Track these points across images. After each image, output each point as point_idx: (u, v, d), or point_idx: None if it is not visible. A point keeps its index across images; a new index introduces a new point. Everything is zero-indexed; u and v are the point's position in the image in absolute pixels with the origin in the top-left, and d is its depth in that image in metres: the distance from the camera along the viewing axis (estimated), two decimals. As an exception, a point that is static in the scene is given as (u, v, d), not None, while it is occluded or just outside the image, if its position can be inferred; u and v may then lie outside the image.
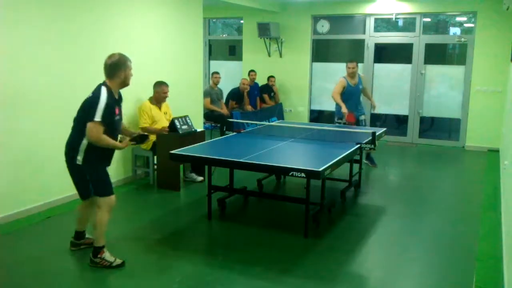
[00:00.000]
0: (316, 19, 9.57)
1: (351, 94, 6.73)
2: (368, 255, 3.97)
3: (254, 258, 3.78)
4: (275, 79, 9.58)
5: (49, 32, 4.68)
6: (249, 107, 9.01)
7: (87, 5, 5.09)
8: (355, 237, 4.27)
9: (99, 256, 3.51)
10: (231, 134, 5.59)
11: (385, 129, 6.22)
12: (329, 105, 9.90)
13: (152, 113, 5.70)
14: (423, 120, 9.11)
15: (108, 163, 3.59)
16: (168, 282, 3.37)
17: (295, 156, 4.62)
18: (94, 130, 3.27)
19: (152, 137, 5.68)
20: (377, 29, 9.22)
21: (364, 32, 9.26)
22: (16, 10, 4.34)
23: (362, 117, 6.85)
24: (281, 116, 9.44)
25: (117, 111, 3.47)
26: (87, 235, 3.89)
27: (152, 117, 5.69)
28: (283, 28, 9.61)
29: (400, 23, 9.49)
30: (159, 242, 4.10)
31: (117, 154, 5.64)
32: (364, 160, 6.70)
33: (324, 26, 9.52)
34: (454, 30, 9.42)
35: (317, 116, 10.10)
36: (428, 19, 9.05)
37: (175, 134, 5.47)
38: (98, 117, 3.25)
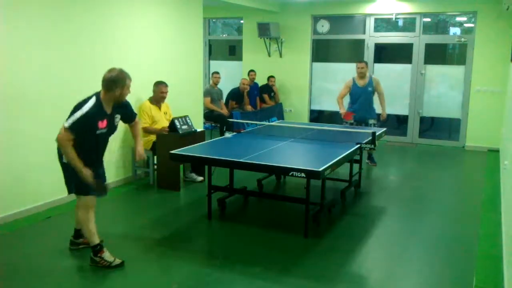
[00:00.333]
0: (316, 19, 9.57)
1: (359, 95, 6.66)
2: (368, 255, 3.97)
3: (254, 258, 3.78)
4: (275, 79, 9.58)
5: (49, 32, 4.68)
6: (249, 107, 9.01)
7: (87, 5, 5.09)
8: (355, 237, 4.27)
9: (99, 255, 3.51)
10: (231, 134, 5.59)
11: (385, 129, 6.22)
12: (329, 105, 9.93)
13: (152, 113, 5.70)
14: (423, 120, 9.11)
15: (94, 158, 3.51)
16: (168, 282, 3.37)
17: (295, 156, 4.62)
18: (61, 133, 3.23)
19: (152, 137, 5.69)
20: (377, 29, 9.22)
21: (364, 32, 9.26)
22: (16, 10, 4.34)
23: (371, 121, 6.73)
24: (281, 116, 9.44)
25: (102, 124, 3.37)
26: None
27: (152, 117, 5.69)
28: (283, 28, 9.61)
29: (400, 23, 9.49)
30: (159, 242, 4.10)
31: (117, 154, 5.68)
32: (365, 160, 6.71)
33: (324, 26, 9.51)
34: (454, 30, 9.43)
35: (317, 116, 10.10)
36: (428, 19, 9.05)
37: (175, 134, 5.47)
38: (68, 123, 3.20)
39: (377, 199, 5.48)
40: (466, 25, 9.11)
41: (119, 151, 5.73)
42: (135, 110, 5.77)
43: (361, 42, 9.27)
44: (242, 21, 10.22)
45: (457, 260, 3.85)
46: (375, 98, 6.92)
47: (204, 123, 7.86)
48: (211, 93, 8.25)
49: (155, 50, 6.18)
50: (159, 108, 5.81)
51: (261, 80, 9.55)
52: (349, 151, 4.52)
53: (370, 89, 6.71)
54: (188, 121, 5.72)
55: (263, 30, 9.34)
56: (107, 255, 3.53)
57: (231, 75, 10.17)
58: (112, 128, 3.54)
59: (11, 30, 4.31)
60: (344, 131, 5.85)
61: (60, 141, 3.26)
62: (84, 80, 4.93)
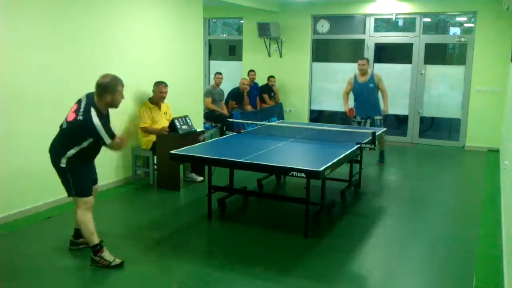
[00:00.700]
0: (316, 19, 9.57)
1: (360, 91, 6.76)
2: (368, 255, 3.97)
3: (254, 258, 3.78)
4: (275, 79, 9.58)
5: (49, 32, 4.68)
6: (249, 107, 9.01)
7: (87, 5, 5.09)
8: (355, 237, 4.27)
9: (98, 254, 3.52)
10: (231, 134, 5.59)
11: (385, 129, 6.23)
12: (329, 105, 9.94)
13: (152, 113, 5.70)
14: (423, 120, 9.11)
15: (91, 161, 3.68)
16: (168, 282, 3.37)
17: (295, 156, 4.62)
18: (116, 145, 3.48)
19: (152, 137, 5.69)
20: (377, 29, 9.22)
21: (364, 32, 9.26)
22: (16, 10, 4.34)
23: (377, 117, 6.79)
24: (281, 116, 9.44)
25: None
26: None
27: (152, 117, 5.69)
28: (283, 28, 9.60)
29: (400, 23, 9.49)
30: (159, 242, 4.10)
31: (117, 154, 5.68)
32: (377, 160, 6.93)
33: (324, 26, 9.51)
34: (454, 30, 9.43)
35: (317, 116, 10.10)
36: (428, 19, 9.04)
37: (175, 134, 5.47)
38: (107, 139, 3.38)
39: (377, 199, 5.48)
40: (466, 25, 9.10)
41: (119, 151, 5.72)
42: (135, 110, 5.83)
43: (361, 42, 9.27)
44: (242, 21, 10.22)
45: (457, 260, 3.85)
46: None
47: (204, 123, 7.87)
48: (213, 93, 8.24)
49: (155, 50, 6.18)
50: (159, 108, 5.81)
51: (261, 80, 9.55)
52: (349, 151, 4.52)
53: (371, 85, 6.76)
54: (188, 121, 5.72)
55: (263, 30, 9.34)
56: (106, 255, 3.54)
57: (231, 75, 10.16)
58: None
59: (11, 30, 4.31)
60: (344, 131, 5.85)
61: (120, 147, 3.57)
62: (84, 80, 4.91)
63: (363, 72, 6.74)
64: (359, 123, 6.84)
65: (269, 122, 7.91)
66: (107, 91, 3.38)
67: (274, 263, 3.67)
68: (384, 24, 9.53)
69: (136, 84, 5.85)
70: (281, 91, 9.86)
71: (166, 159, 4.67)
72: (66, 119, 3.45)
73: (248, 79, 9.06)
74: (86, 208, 3.53)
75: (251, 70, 9.31)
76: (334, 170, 4.10)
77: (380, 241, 4.27)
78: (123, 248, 3.90)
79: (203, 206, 4.81)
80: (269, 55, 9.89)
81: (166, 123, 5.74)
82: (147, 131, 5.68)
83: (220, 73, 8.44)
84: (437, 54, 9.33)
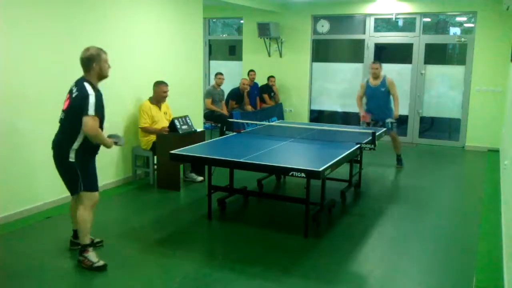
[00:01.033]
0: (316, 19, 9.57)
1: (372, 95, 6.80)
2: (368, 255, 3.97)
3: (254, 258, 3.78)
4: (275, 79, 9.58)
5: (49, 32, 4.68)
6: (249, 107, 9.01)
7: (87, 5, 5.09)
8: (355, 237, 4.27)
9: (83, 254, 3.50)
10: (231, 134, 5.59)
11: (385, 129, 6.22)
12: (329, 105, 9.94)
13: (152, 113, 5.70)
14: (423, 120, 9.11)
15: (96, 153, 3.64)
16: (168, 282, 3.37)
17: (295, 156, 4.62)
18: (91, 123, 3.29)
19: (152, 137, 5.69)
20: (377, 29, 9.22)
21: (364, 32, 9.26)
22: (16, 10, 4.34)
23: (388, 120, 6.81)
24: (281, 116, 9.44)
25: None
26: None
27: (152, 117, 5.69)
28: (283, 28, 9.61)
29: (400, 23, 9.49)
30: (159, 242, 4.10)
31: (117, 154, 5.68)
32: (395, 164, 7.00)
33: (324, 26, 9.51)
34: (454, 30, 9.43)
35: (317, 116, 10.09)
36: (428, 19, 9.05)
37: (175, 134, 5.47)
38: (92, 111, 3.28)
39: (377, 199, 5.48)
40: (466, 25, 9.10)
41: (119, 151, 5.72)
42: (135, 110, 5.83)
43: (361, 42, 9.27)
44: (242, 21, 10.22)
45: (457, 260, 3.85)
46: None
47: (204, 123, 7.87)
48: (213, 94, 8.24)
49: (155, 50, 6.18)
50: (159, 108, 5.81)
51: (261, 80, 9.55)
52: (349, 151, 4.52)
53: (383, 89, 6.79)
54: (188, 121, 5.72)
55: (263, 30, 9.34)
56: (91, 255, 3.51)
57: (231, 75, 10.15)
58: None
59: (12, 30, 4.31)
60: (344, 131, 5.85)
61: (95, 131, 3.33)
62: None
63: (375, 76, 6.78)
64: (368, 125, 6.84)
65: (269, 122, 7.91)
66: (93, 60, 3.40)
67: (274, 263, 3.67)
68: (384, 24, 9.53)
69: (136, 84, 5.85)
70: (281, 91, 9.86)
71: (166, 159, 4.67)
72: (62, 112, 3.47)
73: (248, 79, 9.06)
74: (91, 205, 3.52)
75: (251, 70, 9.31)
76: (334, 170, 4.10)
77: (380, 241, 4.28)
78: (123, 248, 3.90)
79: (203, 206, 4.81)
80: (269, 55, 9.89)
81: (166, 123, 5.74)
82: (147, 131, 5.68)
83: (221, 74, 8.43)
84: (437, 54, 9.32)
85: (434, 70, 8.85)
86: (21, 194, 4.53)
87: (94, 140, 3.40)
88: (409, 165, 7.68)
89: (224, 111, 8.26)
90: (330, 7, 9.18)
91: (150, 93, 5.81)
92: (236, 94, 8.87)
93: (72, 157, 3.40)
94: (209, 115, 8.18)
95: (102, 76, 3.50)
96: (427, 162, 7.70)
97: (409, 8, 8.56)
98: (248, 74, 9.28)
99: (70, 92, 3.46)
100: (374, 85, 6.77)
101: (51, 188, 4.75)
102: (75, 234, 3.83)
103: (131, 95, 5.81)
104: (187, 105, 6.73)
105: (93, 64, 3.41)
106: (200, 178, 5.95)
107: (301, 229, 4.23)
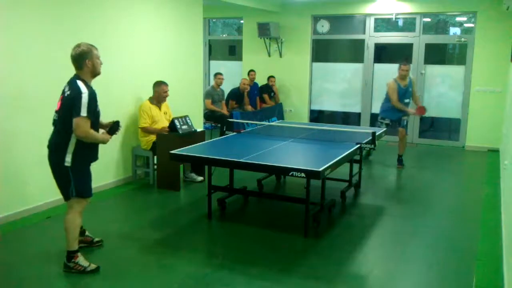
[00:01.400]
0: (316, 19, 9.57)
1: (402, 96, 6.88)
2: (368, 255, 3.97)
3: (254, 258, 3.78)
4: (275, 79, 9.58)
5: (49, 33, 4.68)
6: (249, 107, 9.01)
7: (88, 5, 5.09)
8: (355, 237, 4.27)
9: (73, 260, 3.45)
10: (231, 134, 5.59)
11: (385, 129, 6.22)
12: (329, 105, 9.94)
13: (152, 113, 5.70)
14: (423, 120, 9.10)
15: (95, 158, 3.55)
16: (168, 282, 3.37)
17: (295, 156, 4.62)
18: (82, 125, 3.21)
19: (152, 137, 5.69)
20: (377, 29, 9.21)
21: (364, 32, 9.25)
22: (17, 10, 4.34)
23: (405, 118, 7.00)
24: (281, 116, 9.44)
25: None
26: (86, 233, 3.89)
27: (152, 117, 5.69)
28: (283, 28, 9.60)
29: (400, 23, 9.49)
30: (159, 242, 4.09)
31: (117, 154, 5.68)
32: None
33: (324, 26, 9.51)
34: (454, 30, 9.42)
35: (317, 116, 10.09)
36: (428, 19, 9.04)
37: (175, 134, 5.47)
38: (84, 112, 3.19)
39: (377, 199, 5.48)
40: (466, 25, 9.10)
41: (119, 151, 5.73)
42: (135, 110, 5.82)
43: (361, 42, 9.27)
44: (242, 21, 10.22)
45: (457, 260, 3.85)
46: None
47: (204, 123, 7.87)
48: (213, 94, 8.23)
49: (155, 50, 6.18)
50: (159, 108, 5.81)
51: (261, 80, 9.55)
52: (349, 151, 4.52)
53: (410, 89, 6.94)
54: (188, 121, 5.72)
55: (263, 30, 9.34)
56: (81, 260, 3.46)
57: (231, 75, 10.16)
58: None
59: (11, 30, 4.31)
60: (344, 131, 5.85)
61: (85, 133, 3.24)
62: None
63: (404, 77, 6.88)
64: (387, 125, 6.95)
65: (269, 122, 7.91)
66: (85, 57, 3.32)
67: (274, 263, 3.67)
68: (384, 24, 9.53)
69: (136, 84, 5.85)
70: (281, 91, 9.86)
71: (166, 159, 4.67)
72: (55, 112, 3.38)
73: (248, 79, 9.06)
74: (80, 210, 3.46)
75: (251, 70, 9.31)
76: (334, 170, 4.10)
77: (380, 241, 4.28)
78: (123, 248, 3.90)
79: (203, 206, 4.81)
80: (269, 55, 9.89)
81: (166, 123, 5.74)
82: (147, 131, 5.68)
83: (221, 74, 8.43)
84: (437, 54, 9.32)
85: (434, 70, 8.85)
86: (21, 194, 4.53)
87: (87, 140, 3.31)
88: (409, 165, 7.68)
89: (224, 111, 8.26)
90: (330, 7, 9.18)
91: (150, 93, 5.81)
92: (236, 94, 8.87)
93: (68, 162, 3.30)
94: (209, 115, 8.18)
95: (95, 73, 3.41)
96: (427, 162, 7.69)
97: (409, 8, 8.56)
98: (248, 74, 9.28)
99: (63, 92, 3.36)
100: (404, 85, 6.88)
101: (51, 188, 4.70)
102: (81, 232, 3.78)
103: (131, 95, 5.81)
104: (187, 105, 6.73)
105: (86, 60, 3.32)
106: (200, 178, 5.95)
107: (301, 229, 4.23)
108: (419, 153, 8.28)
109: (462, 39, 8.50)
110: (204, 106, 8.01)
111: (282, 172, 4.47)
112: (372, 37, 9.15)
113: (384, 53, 9.46)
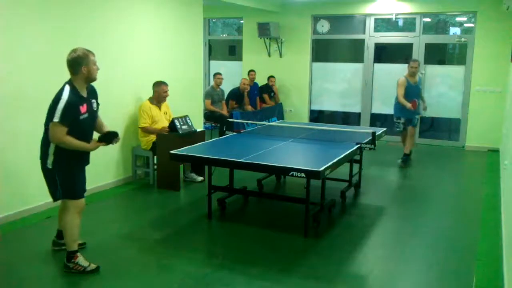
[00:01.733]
0: (316, 19, 9.57)
1: (411, 93, 6.92)
2: (368, 255, 3.97)
3: (254, 258, 3.78)
4: (275, 79, 9.58)
5: (49, 32, 4.68)
6: (249, 107, 9.01)
7: (88, 5, 5.09)
8: (355, 237, 4.27)
9: (72, 260, 3.44)
10: (231, 134, 5.59)
11: (385, 129, 6.23)
12: (329, 105, 9.93)
13: (152, 113, 5.70)
14: (423, 120, 9.10)
15: (85, 162, 3.49)
16: (168, 282, 3.37)
17: (295, 156, 4.62)
18: (55, 131, 3.16)
19: (152, 137, 5.69)
20: (377, 29, 9.21)
21: (364, 32, 9.25)
22: (17, 9, 4.34)
23: (417, 116, 7.08)
24: (281, 116, 9.44)
25: (83, 109, 3.29)
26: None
27: (152, 117, 5.69)
28: (283, 28, 9.60)
29: (400, 23, 9.49)
30: (159, 242, 4.10)
31: (117, 154, 5.68)
32: (398, 161, 7.11)
33: (324, 26, 9.51)
34: (454, 30, 9.43)
35: (317, 116, 10.09)
36: (428, 19, 9.04)
37: (175, 134, 5.47)
38: (56, 117, 3.13)
39: (377, 199, 5.48)
40: (466, 25, 9.10)
41: (119, 151, 5.73)
42: (135, 110, 5.82)
43: (361, 42, 9.27)
44: (242, 21, 10.22)
45: (457, 260, 3.85)
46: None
47: (204, 123, 7.87)
48: (212, 95, 8.23)
49: (155, 50, 6.18)
50: (159, 108, 5.81)
51: (261, 80, 9.55)
52: (349, 151, 4.52)
53: (420, 86, 7.02)
54: (188, 121, 5.72)
55: (263, 30, 9.34)
56: (81, 260, 3.45)
57: (231, 75, 10.16)
58: (92, 113, 3.43)
59: (11, 30, 4.31)
60: (344, 131, 5.85)
61: (58, 139, 3.19)
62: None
63: (413, 74, 6.92)
64: (404, 124, 7.02)
65: (269, 122, 7.91)
66: (81, 63, 3.26)
67: (274, 263, 3.67)
68: (384, 24, 9.53)
69: (136, 84, 5.85)
70: (281, 91, 9.86)
71: (166, 159, 4.67)
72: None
73: (248, 79, 9.06)
74: (76, 211, 3.42)
75: (251, 70, 9.31)
76: (334, 170, 4.10)
77: (380, 241, 4.28)
78: (123, 248, 3.90)
79: (203, 206, 4.81)
80: (269, 55, 9.89)
81: (166, 123, 5.74)
82: (147, 131, 5.68)
83: (220, 74, 8.43)
84: (437, 54, 9.33)
85: (434, 70, 8.85)
86: (21, 194, 4.53)
87: (65, 147, 3.24)
88: (409, 165, 7.68)
89: (224, 111, 8.26)
90: (330, 7, 9.18)
91: (150, 93, 5.81)
92: (236, 94, 8.87)
93: (49, 164, 3.29)
94: (209, 115, 8.18)
95: (90, 79, 3.35)
96: (427, 162, 7.69)
97: (409, 8, 8.56)
98: (248, 74, 9.28)
99: None
100: (414, 82, 6.94)
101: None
102: (59, 234, 3.75)
103: (131, 95, 5.81)
104: (187, 105, 6.73)
105: (81, 67, 3.25)
106: (200, 178, 5.95)
107: (301, 229, 4.23)
108: (419, 153, 8.27)
109: (462, 39, 8.50)
110: (204, 106, 8.01)
111: (282, 172, 4.47)
112: (372, 37, 9.15)
113: (384, 53, 9.46)
